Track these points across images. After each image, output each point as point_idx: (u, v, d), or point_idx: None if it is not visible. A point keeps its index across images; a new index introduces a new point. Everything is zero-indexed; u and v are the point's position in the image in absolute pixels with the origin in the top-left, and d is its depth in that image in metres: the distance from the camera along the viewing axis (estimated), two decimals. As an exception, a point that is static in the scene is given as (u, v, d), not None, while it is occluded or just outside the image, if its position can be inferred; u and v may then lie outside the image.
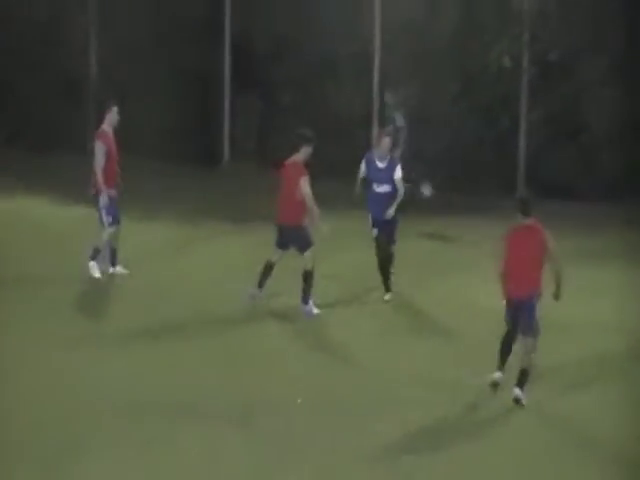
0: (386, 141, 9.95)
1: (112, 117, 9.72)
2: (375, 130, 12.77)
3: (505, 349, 7.94)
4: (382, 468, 6.62)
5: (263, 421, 6.96)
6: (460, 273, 10.48)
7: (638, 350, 8.40)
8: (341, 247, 10.59)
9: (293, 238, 9.31)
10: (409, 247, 10.50)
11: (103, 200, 9.66)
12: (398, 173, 10.00)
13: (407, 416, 7.18)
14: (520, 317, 7.91)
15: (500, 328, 7.75)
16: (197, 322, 8.89)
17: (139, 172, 12.37)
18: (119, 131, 9.82)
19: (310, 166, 9.07)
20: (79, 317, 9.23)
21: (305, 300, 9.20)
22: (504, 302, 7.94)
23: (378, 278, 9.69)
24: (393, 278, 9.90)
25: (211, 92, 13.28)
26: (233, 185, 12.77)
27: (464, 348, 8.45)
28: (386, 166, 10.06)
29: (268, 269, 9.38)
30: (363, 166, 10.17)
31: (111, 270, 9.85)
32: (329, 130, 11.26)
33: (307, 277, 9.23)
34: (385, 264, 10.01)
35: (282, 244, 9.39)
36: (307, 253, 9.20)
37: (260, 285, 9.34)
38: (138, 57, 13.57)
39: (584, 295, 9.38)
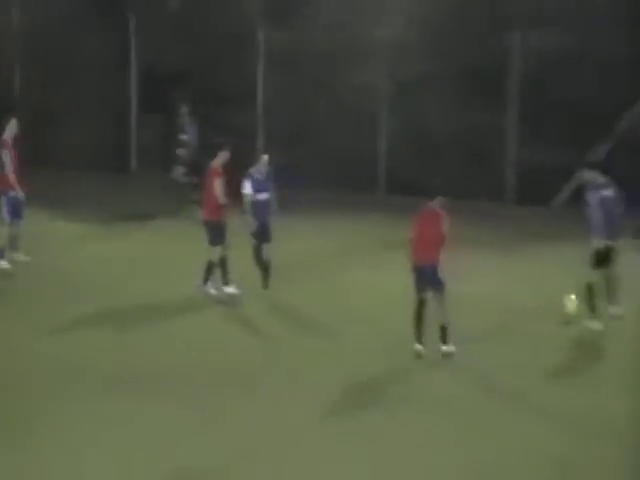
0: (264, 157, 11.32)
1: (11, 128, 11.42)
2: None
3: (417, 321, 8.98)
4: (301, 434, 7.36)
5: (183, 390, 7.93)
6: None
7: (521, 317, 9.85)
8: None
9: (212, 232, 10.60)
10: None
11: (8, 199, 11.26)
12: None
13: (331, 382, 8.24)
14: (429, 278, 8.99)
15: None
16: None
17: (61, 179, 14.50)
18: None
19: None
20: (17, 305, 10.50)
21: (205, 281, 10.54)
22: (412, 270, 9.12)
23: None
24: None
25: (122, 112, 15.50)
26: (139, 189, 14.76)
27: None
28: (265, 178, 11.34)
29: (211, 267, 10.60)
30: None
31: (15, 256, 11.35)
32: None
33: (209, 266, 10.53)
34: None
35: (209, 240, 10.73)
36: (216, 247, 10.49)
37: (205, 281, 10.51)
38: (63, 83, 15.77)
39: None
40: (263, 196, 11.35)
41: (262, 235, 11.21)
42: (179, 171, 14.45)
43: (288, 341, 9.42)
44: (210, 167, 10.78)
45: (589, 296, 9.82)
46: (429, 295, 8.97)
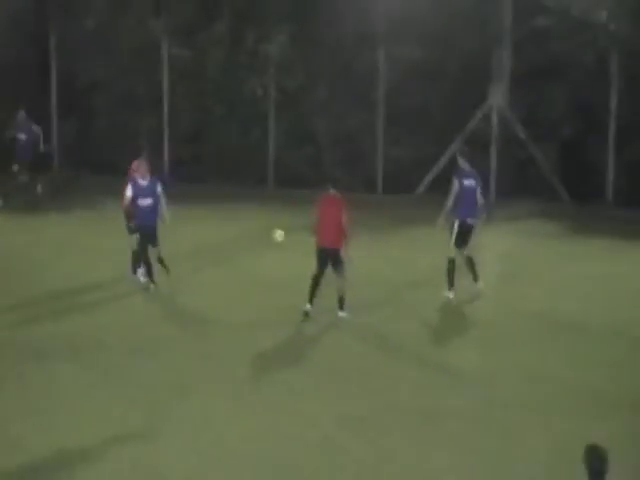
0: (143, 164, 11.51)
1: None
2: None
3: (314, 287, 10.42)
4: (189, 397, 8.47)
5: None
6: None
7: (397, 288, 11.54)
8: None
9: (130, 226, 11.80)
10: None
11: None
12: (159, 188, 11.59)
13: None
14: (332, 262, 10.40)
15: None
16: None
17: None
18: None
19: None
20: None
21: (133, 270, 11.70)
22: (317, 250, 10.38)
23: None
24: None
25: (43, 118, 17.19)
26: (60, 185, 16.64)
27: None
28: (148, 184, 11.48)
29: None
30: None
31: None
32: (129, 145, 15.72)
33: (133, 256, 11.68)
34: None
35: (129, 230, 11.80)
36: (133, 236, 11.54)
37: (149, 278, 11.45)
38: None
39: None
40: (146, 202, 11.54)
41: (147, 238, 11.46)
42: (16, 167, 15.89)
43: (196, 315, 10.65)
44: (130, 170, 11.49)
45: (448, 270, 11.32)
46: (327, 270, 10.41)
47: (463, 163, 11.80)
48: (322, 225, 10.60)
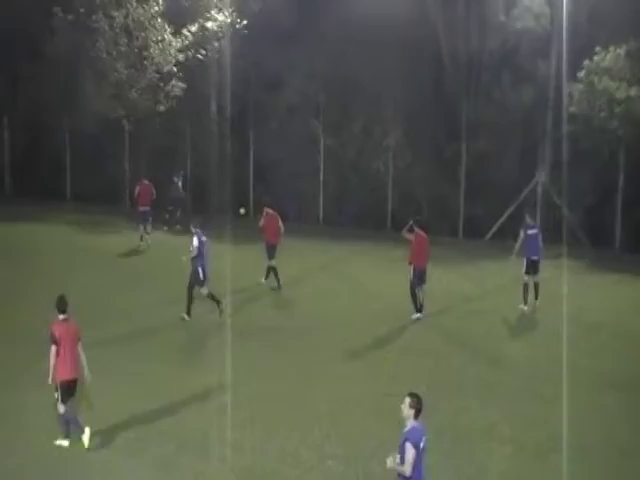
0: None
1: None
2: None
3: (414, 297, 16.50)
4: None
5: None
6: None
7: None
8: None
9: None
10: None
11: None
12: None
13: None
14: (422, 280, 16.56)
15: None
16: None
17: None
18: None
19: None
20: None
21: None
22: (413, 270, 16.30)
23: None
24: None
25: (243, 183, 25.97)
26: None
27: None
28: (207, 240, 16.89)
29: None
30: None
31: None
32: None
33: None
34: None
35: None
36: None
37: None
38: None
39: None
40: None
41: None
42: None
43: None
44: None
45: (523, 291, 17.26)
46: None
47: (529, 219, 18.04)
48: (418, 254, 16.62)
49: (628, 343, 16.08)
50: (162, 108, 26.07)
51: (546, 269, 18.87)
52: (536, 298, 17.66)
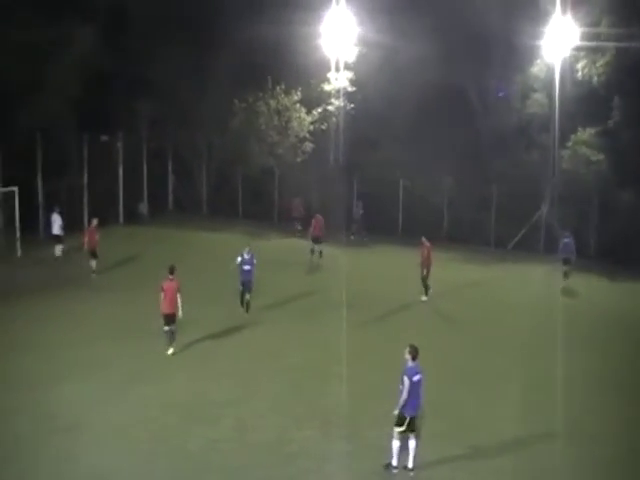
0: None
1: None
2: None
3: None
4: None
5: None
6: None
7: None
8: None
9: None
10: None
11: None
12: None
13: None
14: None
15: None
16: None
17: None
18: None
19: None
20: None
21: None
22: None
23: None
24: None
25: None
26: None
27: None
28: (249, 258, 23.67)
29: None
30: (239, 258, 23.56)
31: None
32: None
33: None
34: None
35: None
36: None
37: None
38: None
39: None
40: (247, 267, 23.77)
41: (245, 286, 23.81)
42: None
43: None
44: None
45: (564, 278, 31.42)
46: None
47: (567, 236, 28.80)
48: (427, 257, 26.33)
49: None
50: (299, 160, 38.48)
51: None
52: (565, 279, 28.69)
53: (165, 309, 20.15)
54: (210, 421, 16.44)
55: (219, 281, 27.21)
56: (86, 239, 28.83)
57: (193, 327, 22.02)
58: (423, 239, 26.48)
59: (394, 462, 14.45)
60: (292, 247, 33.65)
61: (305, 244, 32.84)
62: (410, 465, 14.48)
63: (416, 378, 14.03)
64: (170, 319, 20.19)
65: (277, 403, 17.47)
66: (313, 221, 32.64)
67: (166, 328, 20.30)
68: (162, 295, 20.14)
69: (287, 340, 22.02)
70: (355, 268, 29.60)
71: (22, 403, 17.13)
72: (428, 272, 26.37)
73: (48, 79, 35.52)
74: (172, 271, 20.33)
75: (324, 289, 27.27)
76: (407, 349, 14.19)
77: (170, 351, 20.35)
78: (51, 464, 14.56)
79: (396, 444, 14.36)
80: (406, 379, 13.95)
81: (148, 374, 19.12)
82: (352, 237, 36.63)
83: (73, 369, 19.24)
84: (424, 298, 26.37)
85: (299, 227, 37.04)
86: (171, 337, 20.41)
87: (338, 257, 31.80)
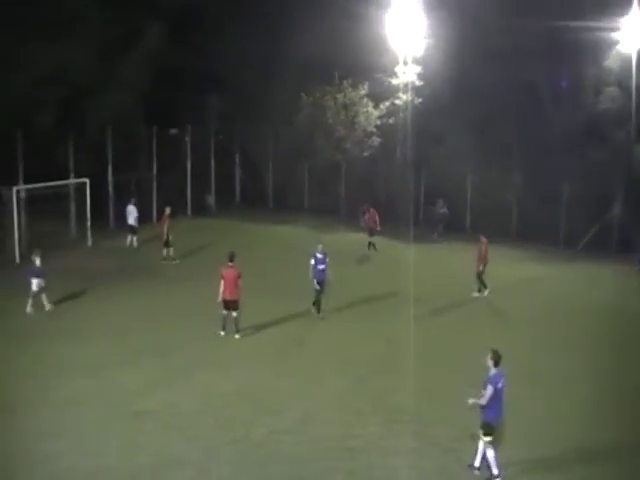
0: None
1: None
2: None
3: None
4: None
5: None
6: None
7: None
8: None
9: None
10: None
11: None
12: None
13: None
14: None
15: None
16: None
17: None
18: None
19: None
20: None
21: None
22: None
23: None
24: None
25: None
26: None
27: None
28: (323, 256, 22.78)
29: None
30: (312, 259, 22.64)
31: None
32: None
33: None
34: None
35: None
36: None
37: None
38: None
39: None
40: (321, 267, 22.83)
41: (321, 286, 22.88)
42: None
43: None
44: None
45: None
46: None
47: None
48: (485, 253, 25.90)
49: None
50: (366, 154, 38.51)
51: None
52: None
53: (225, 295, 20.54)
54: (275, 412, 16.41)
55: (286, 274, 27.30)
56: (165, 228, 29.54)
57: (259, 319, 22.11)
58: (481, 237, 26.26)
59: (495, 471, 13.92)
60: (359, 241, 33.44)
61: (378, 240, 32.88)
62: (477, 464, 14.14)
63: (500, 385, 13.63)
64: (230, 305, 20.62)
65: (342, 397, 17.33)
66: (367, 215, 32.90)
67: (224, 312, 20.73)
68: (222, 282, 20.39)
69: (353, 334, 21.88)
70: (421, 264, 29.25)
71: (90, 389, 17.39)
72: (484, 268, 26.06)
73: (118, 74, 36.13)
74: (232, 258, 20.68)
75: (390, 284, 27.05)
76: (489, 355, 13.66)
77: (222, 333, 20.83)
78: (117, 450, 14.71)
79: (491, 453, 13.87)
80: (490, 387, 13.51)
81: (214, 362, 19.24)
82: (435, 236, 35.93)
83: (140, 355, 19.47)
84: (476, 295, 26.02)
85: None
86: (230, 322, 20.71)
87: (404, 252, 31.52)
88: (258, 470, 14.11)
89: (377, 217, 32.56)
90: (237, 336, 20.77)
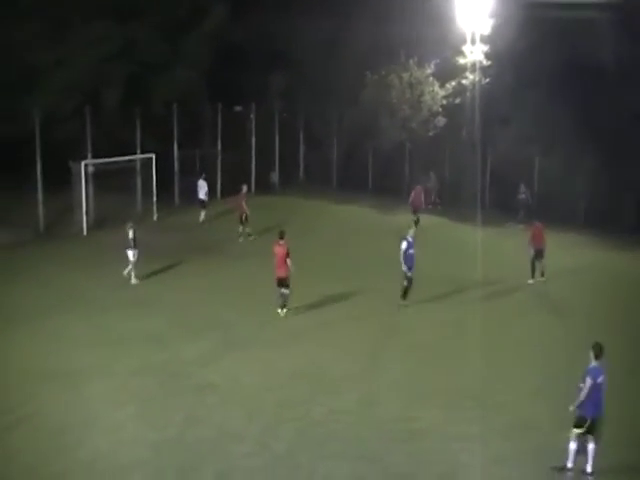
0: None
1: None
2: None
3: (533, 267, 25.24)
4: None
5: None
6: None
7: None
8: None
9: None
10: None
11: None
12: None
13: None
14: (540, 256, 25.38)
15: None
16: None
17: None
18: None
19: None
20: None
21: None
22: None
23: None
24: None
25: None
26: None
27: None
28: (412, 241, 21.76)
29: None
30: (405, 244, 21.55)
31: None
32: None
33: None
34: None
35: None
36: None
37: None
38: None
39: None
40: (412, 252, 21.78)
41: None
42: None
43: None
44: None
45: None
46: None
47: None
48: (536, 238, 24.46)
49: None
50: (431, 134, 38.00)
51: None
52: None
53: (277, 273, 20.69)
54: (334, 392, 16.41)
55: (349, 255, 27.20)
56: (244, 205, 29.94)
57: (323, 299, 22.17)
58: (535, 222, 25.53)
59: (569, 464, 13.52)
60: (422, 224, 33.11)
61: (443, 221, 32.60)
62: (589, 469, 13.50)
63: (600, 379, 13.10)
64: (281, 282, 20.75)
65: (403, 380, 17.23)
66: (413, 193, 33.33)
67: (282, 291, 20.85)
68: (275, 259, 20.70)
69: (416, 317, 21.70)
70: (487, 247, 28.72)
71: (153, 361, 17.69)
72: (541, 254, 25.19)
73: (183, 52, 36.36)
74: (282, 236, 20.90)
75: (455, 267, 26.71)
76: (592, 348, 13.17)
77: (281, 312, 20.87)
78: (179, 422, 14.92)
79: (573, 446, 13.40)
80: (589, 380, 13.00)
81: (276, 340, 19.36)
82: (510, 223, 33.79)
83: (202, 330, 19.77)
84: (530, 281, 25.04)
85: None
86: (284, 300, 20.76)
87: (469, 235, 31.13)
88: (317, 448, 14.14)
89: (423, 196, 33.14)
90: (280, 311, 20.81)
